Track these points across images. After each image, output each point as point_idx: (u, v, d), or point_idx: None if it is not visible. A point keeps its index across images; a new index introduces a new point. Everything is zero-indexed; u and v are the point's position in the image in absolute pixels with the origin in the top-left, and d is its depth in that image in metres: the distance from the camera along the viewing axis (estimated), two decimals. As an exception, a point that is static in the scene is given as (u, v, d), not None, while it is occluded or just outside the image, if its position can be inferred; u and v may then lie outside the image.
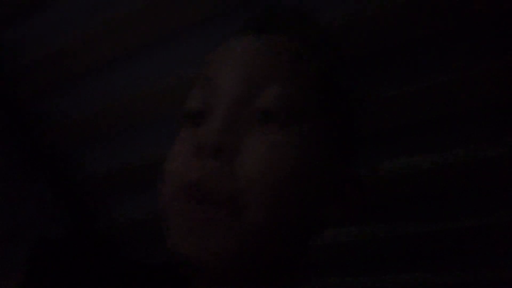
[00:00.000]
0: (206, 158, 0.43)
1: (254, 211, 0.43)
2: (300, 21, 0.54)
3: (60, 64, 0.91)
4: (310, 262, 0.53)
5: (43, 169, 1.05)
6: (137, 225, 1.01)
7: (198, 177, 0.43)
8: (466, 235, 0.73)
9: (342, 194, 0.50)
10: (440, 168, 0.70)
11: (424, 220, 0.75)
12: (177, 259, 0.44)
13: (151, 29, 0.80)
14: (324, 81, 0.50)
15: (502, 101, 0.64)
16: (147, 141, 0.92)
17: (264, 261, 0.46)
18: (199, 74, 0.51)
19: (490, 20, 0.60)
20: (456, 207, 0.72)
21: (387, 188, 0.73)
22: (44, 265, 0.55)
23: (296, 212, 0.46)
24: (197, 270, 0.45)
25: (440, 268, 0.76)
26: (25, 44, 0.93)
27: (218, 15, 0.74)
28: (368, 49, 0.67)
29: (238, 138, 0.44)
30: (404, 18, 0.63)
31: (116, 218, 1.05)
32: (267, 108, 0.45)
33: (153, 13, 0.77)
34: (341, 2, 0.66)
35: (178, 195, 0.44)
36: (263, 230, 0.43)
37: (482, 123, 0.66)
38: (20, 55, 0.95)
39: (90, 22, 0.84)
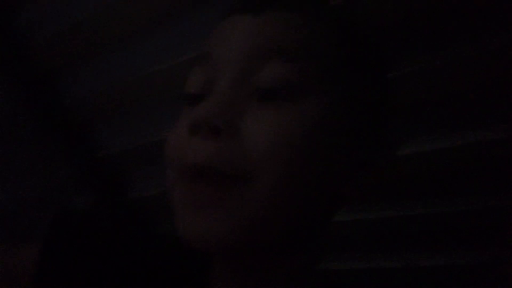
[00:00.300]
0: (202, 138, 0.41)
1: (260, 187, 0.41)
2: None
3: (80, 39, 0.92)
4: (326, 241, 0.52)
5: (66, 143, 1.06)
6: (158, 199, 1.01)
7: (194, 160, 0.41)
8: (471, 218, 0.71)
9: (357, 173, 0.47)
10: (444, 152, 0.69)
11: (429, 203, 0.74)
12: (186, 243, 0.43)
13: (162, 7, 0.79)
14: (339, 51, 0.46)
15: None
16: (169, 116, 0.92)
17: (274, 239, 0.44)
18: (200, 53, 0.49)
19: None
20: (461, 189, 0.71)
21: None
22: (63, 236, 0.55)
23: (306, 188, 0.44)
24: (207, 253, 0.44)
25: (448, 249, 0.75)
26: (43, 20, 0.93)
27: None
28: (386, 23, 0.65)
29: (236, 116, 0.42)
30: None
31: (139, 192, 1.06)
32: (267, 87, 0.43)
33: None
34: None
35: (179, 178, 0.43)
36: (272, 206, 0.42)
37: (491, 106, 0.65)
38: (37, 32, 0.95)
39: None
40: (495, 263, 0.72)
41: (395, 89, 0.58)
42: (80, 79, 0.99)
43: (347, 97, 0.46)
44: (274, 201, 0.42)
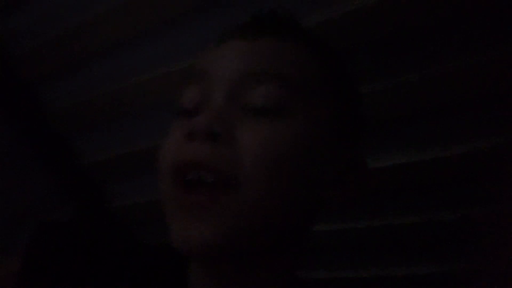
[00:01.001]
0: (199, 141, 0.44)
1: (249, 192, 0.44)
2: (289, 25, 0.56)
3: (62, 50, 0.92)
4: (307, 248, 0.54)
5: (47, 154, 1.05)
6: (140, 209, 1.02)
7: (192, 157, 0.44)
8: (453, 227, 0.73)
9: (344, 179, 0.52)
10: (427, 163, 0.71)
11: (411, 213, 0.76)
12: (176, 246, 0.45)
13: (155, 15, 0.80)
14: (322, 75, 0.51)
15: (493, 96, 0.64)
16: (150, 126, 0.92)
17: (258, 245, 0.47)
18: (193, 69, 0.52)
19: (485, 12, 0.60)
20: (445, 199, 0.73)
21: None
22: (43, 249, 0.56)
23: (292, 195, 0.47)
24: (194, 256, 0.47)
25: (427, 260, 0.77)
26: (26, 30, 0.93)
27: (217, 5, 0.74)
28: (363, 41, 0.67)
29: (231, 126, 0.45)
30: (394, 11, 0.63)
31: (120, 202, 1.06)
32: (258, 106, 0.47)
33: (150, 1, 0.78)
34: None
35: (169, 180, 0.46)
36: (258, 211, 0.44)
37: (475, 117, 0.66)
38: (21, 41, 0.95)
39: (92, 7, 0.84)
40: (470, 272, 0.74)
41: (371, 104, 0.61)
42: (61, 89, 0.99)
43: (329, 113, 0.51)
44: (259, 209, 0.45)
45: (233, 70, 0.48)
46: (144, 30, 0.83)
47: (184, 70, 0.81)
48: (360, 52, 0.68)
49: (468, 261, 0.74)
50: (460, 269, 0.76)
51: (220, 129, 0.45)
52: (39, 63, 0.96)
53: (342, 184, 0.51)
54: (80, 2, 0.85)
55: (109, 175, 1.05)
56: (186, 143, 0.45)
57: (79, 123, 1.01)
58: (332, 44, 0.57)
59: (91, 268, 0.55)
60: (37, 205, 1.05)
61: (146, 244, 0.60)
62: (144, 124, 0.94)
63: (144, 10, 0.79)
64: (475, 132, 0.66)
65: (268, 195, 0.45)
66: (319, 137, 0.49)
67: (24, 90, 1.00)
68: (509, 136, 0.63)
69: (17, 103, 1.02)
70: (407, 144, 0.72)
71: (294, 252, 0.52)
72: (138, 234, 1.06)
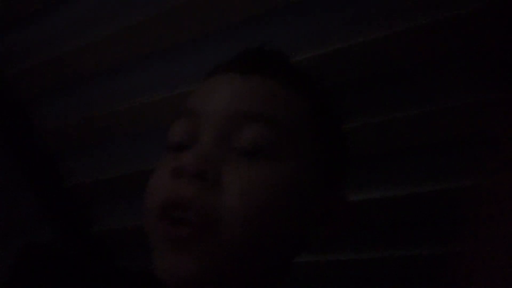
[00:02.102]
0: (187, 180, 0.45)
1: (231, 234, 0.44)
2: (280, 63, 0.56)
3: (53, 72, 0.93)
4: (292, 279, 0.55)
5: (32, 175, 1.05)
6: (125, 233, 1.01)
7: (178, 198, 0.44)
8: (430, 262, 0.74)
9: (328, 217, 0.52)
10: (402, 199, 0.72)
11: (391, 247, 0.77)
12: (158, 276, 0.45)
13: (146, 43, 0.81)
14: (310, 117, 0.52)
15: (468, 136, 0.66)
16: (137, 151, 0.93)
17: (241, 280, 0.47)
18: (184, 104, 0.53)
19: (473, 53, 0.62)
20: (423, 235, 0.74)
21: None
22: (29, 270, 0.55)
23: (275, 236, 0.47)
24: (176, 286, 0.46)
25: None
26: (18, 51, 0.94)
27: (212, 35, 0.76)
28: (351, 78, 0.69)
29: (218, 167, 0.46)
30: (381, 52, 0.65)
31: (104, 226, 1.06)
32: (247, 147, 0.47)
33: (147, 28, 0.79)
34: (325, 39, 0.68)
35: (155, 214, 0.46)
36: (240, 251, 0.45)
37: (456, 155, 0.68)
38: (12, 62, 0.96)
39: (86, 32, 0.85)
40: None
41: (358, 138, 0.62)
42: (50, 110, 0.99)
43: (315, 155, 0.51)
44: (241, 250, 0.45)
45: (223, 109, 0.49)
46: (136, 57, 0.84)
47: (174, 97, 0.82)
48: (348, 88, 0.69)
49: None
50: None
51: (207, 170, 0.45)
52: (31, 83, 0.97)
53: (326, 221, 0.52)
54: (73, 26, 0.86)
55: (94, 198, 1.04)
56: (173, 181, 0.46)
57: (66, 145, 1.01)
58: (321, 80, 0.58)
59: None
60: (21, 226, 1.04)
61: (127, 270, 0.60)
62: (131, 149, 0.94)
63: (136, 38, 0.81)
64: (460, 169, 0.68)
65: (251, 237, 0.45)
66: (305, 179, 0.49)
67: (14, 109, 1.00)
68: (490, 176, 0.64)
69: (6, 122, 1.02)
70: (394, 178, 0.73)
71: (275, 284, 0.52)
72: (121, 259, 1.05)
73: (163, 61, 0.82)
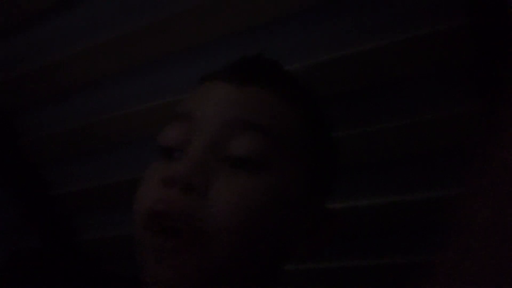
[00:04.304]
0: (176, 191, 0.45)
1: (219, 245, 0.44)
2: (275, 73, 0.56)
3: (37, 83, 0.92)
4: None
5: (17, 184, 1.05)
6: (110, 242, 1.01)
7: (166, 209, 0.44)
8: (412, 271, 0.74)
9: (316, 227, 0.52)
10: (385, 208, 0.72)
11: (369, 256, 0.78)
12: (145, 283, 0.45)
13: (134, 54, 0.81)
14: (301, 127, 0.52)
15: (456, 145, 0.66)
16: (122, 160, 0.93)
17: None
18: (177, 110, 0.52)
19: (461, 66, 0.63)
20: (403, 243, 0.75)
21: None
22: (15, 277, 0.55)
23: (263, 247, 0.47)
24: None
25: None
26: (3, 61, 0.94)
27: (203, 44, 0.76)
28: (343, 88, 0.69)
29: (208, 178, 0.45)
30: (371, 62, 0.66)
31: (89, 235, 1.05)
32: (239, 156, 0.46)
33: (138, 38, 0.79)
34: (327, 44, 0.69)
35: (142, 224, 0.46)
36: (227, 262, 0.45)
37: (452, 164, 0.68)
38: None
39: (74, 42, 0.85)
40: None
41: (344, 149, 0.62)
42: (35, 120, 0.99)
43: (305, 166, 0.51)
44: (229, 258, 0.45)
45: (216, 115, 0.48)
46: (123, 68, 0.84)
47: (162, 106, 0.82)
48: (336, 99, 0.70)
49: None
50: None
51: (197, 182, 0.45)
52: (16, 93, 0.96)
53: (314, 232, 0.52)
54: (60, 37, 0.86)
55: (78, 208, 1.04)
56: (162, 190, 0.45)
57: (51, 154, 1.01)
58: (313, 90, 0.58)
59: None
60: (5, 234, 1.04)
61: (114, 274, 0.60)
62: (117, 158, 0.94)
63: (124, 48, 0.81)
64: (448, 178, 0.68)
65: (237, 249, 0.45)
66: (294, 190, 0.49)
67: (1, 119, 1.00)
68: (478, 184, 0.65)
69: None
70: (382, 187, 0.74)
71: None
72: (109, 268, 1.05)
73: (150, 71, 0.83)
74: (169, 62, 0.80)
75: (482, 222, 0.26)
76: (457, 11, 0.60)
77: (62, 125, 0.95)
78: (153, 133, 0.54)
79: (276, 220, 0.47)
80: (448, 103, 0.65)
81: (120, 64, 0.83)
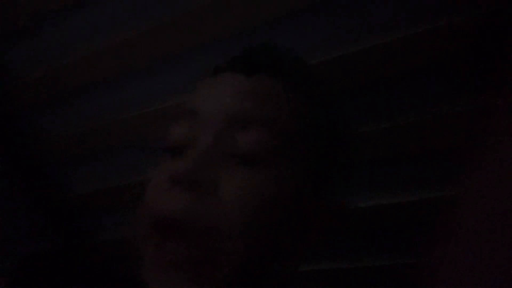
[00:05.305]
0: (181, 190, 0.43)
1: (228, 243, 0.43)
2: (287, 62, 0.54)
3: (51, 84, 0.93)
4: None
5: (31, 186, 1.05)
6: (122, 244, 1.01)
7: (171, 210, 0.43)
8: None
9: (311, 224, 0.50)
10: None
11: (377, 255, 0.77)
12: None
13: (144, 55, 0.82)
14: (307, 121, 0.50)
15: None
16: (138, 161, 0.93)
17: None
18: (183, 106, 0.51)
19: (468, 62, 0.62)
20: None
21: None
22: (26, 281, 0.55)
23: (271, 243, 0.46)
24: None
25: None
26: (20, 63, 0.95)
27: (211, 43, 0.76)
28: (352, 84, 0.69)
29: (214, 174, 0.44)
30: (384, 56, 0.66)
31: (103, 236, 1.06)
32: (244, 152, 0.45)
33: (145, 40, 0.79)
34: (327, 43, 0.68)
35: (152, 232, 0.44)
36: (237, 261, 0.43)
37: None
38: (13, 74, 0.97)
39: (86, 45, 0.86)
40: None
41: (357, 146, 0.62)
42: (50, 121, 0.99)
43: (313, 161, 0.50)
44: (243, 260, 0.43)
45: (221, 110, 0.47)
46: (134, 69, 0.84)
47: (173, 107, 0.82)
48: (347, 95, 0.69)
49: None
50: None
51: (201, 179, 0.43)
52: (31, 95, 0.97)
53: (311, 227, 0.50)
54: (72, 40, 0.87)
55: (94, 209, 1.05)
56: (167, 190, 0.44)
57: (66, 156, 1.01)
58: (325, 84, 0.57)
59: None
60: (20, 236, 1.04)
61: (126, 277, 0.59)
62: (131, 159, 0.94)
63: (134, 50, 0.81)
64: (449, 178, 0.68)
65: (249, 245, 0.44)
66: (301, 184, 0.48)
67: (15, 120, 1.01)
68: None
69: (7, 132, 1.02)
70: (390, 186, 0.73)
71: None
72: (121, 269, 1.05)
73: (166, 71, 0.83)
74: (184, 60, 0.80)
75: (482, 221, 0.26)
76: (456, 7, 0.59)
77: (77, 126, 0.96)
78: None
79: (280, 215, 0.46)
80: (449, 101, 0.64)
81: (135, 64, 0.84)
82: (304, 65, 0.58)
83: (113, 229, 1.04)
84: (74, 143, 0.97)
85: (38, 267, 0.57)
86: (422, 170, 0.70)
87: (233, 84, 0.49)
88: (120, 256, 1.05)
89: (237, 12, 0.70)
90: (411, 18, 0.62)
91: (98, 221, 1.05)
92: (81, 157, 1.00)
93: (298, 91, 0.50)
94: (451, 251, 0.27)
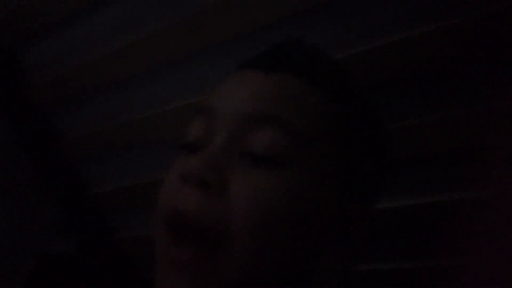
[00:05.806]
0: (191, 189, 0.42)
1: (239, 248, 0.42)
2: (312, 61, 0.52)
3: (77, 82, 0.94)
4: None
5: (54, 183, 1.07)
6: (143, 242, 1.02)
7: (181, 207, 0.42)
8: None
9: (347, 230, 0.48)
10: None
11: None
12: None
13: (166, 52, 0.82)
14: (335, 122, 0.48)
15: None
16: (159, 159, 0.93)
17: None
18: (202, 103, 0.50)
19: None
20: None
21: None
22: (44, 281, 0.55)
23: (288, 250, 0.44)
24: None
25: None
26: (43, 61, 0.97)
27: (230, 42, 0.75)
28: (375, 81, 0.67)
29: (226, 174, 0.43)
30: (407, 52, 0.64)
31: (126, 234, 1.07)
32: (259, 152, 0.44)
33: (168, 36, 0.80)
34: (351, 38, 0.67)
35: (163, 228, 0.44)
36: (249, 270, 0.42)
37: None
38: (37, 72, 0.98)
39: (108, 42, 0.87)
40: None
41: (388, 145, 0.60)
42: (73, 119, 1.01)
43: (335, 165, 0.47)
44: (251, 265, 0.42)
45: (238, 109, 0.45)
46: (157, 66, 0.85)
47: (193, 105, 0.82)
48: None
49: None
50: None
51: (212, 178, 0.42)
52: (54, 93, 0.99)
53: (347, 234, 0.48)
54: (95, 37, 0.88)
55: (115, 206, 1.05)
56: (179, 187, 0.43)
57: (89, 153, 1.02)
58: (356, 81, 0.54)
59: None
60: (41, 234, 1.06)
61: (146, 279, 0.59)
62: (152, 157, 0.95)
63: (157, 47, 0.82)
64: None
65: (260, 251, 0.42)
66: (320, 190, 0.46)
67: (37, 118, 1.02)
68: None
69: (29, 130, 1.04)
70: (413, 187, 0.71)
71: None
72: (142, 267, 1.06)
73: (184, 69, 0.83)
74: (208, 56, 0.79)
75: (506, 224, 0.25)
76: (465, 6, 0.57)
77: (99, 124, 0.97)
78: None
79: (300, 221, 0.44)
80: (469, 100, 0.62)
81: (159, 60, 0.84)
82: (333, 64, 0.55)
83: (134, 227, 1.04)
84: (95, 141, 0.99)
85: (57, 267, 0.57)
86: (441, 171, 0.68)
87: (251, 82, 0.48)
88: (141, 254, 1.06)
89: (247, 13, 0.70)
90: (417, 18, 0.61)
91: (119, 219, 1.06)
92: (102, 155, 1.00)
93: (324, 92, 0.48)
94: (478, 253, 0.26)
